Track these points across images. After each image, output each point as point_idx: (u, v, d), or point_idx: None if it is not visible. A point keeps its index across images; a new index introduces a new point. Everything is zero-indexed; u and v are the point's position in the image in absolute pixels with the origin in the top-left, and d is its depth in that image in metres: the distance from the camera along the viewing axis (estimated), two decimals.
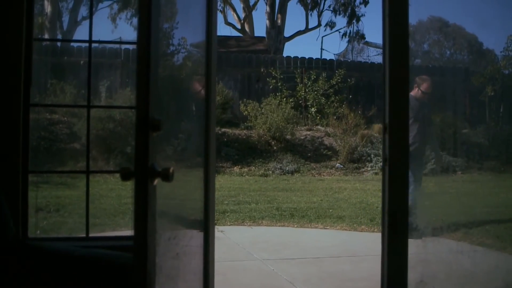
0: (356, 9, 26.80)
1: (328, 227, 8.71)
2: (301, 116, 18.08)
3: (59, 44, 18.59)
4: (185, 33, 3.69)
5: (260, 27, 44.82)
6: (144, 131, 2.26)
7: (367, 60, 25.07)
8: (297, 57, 20.05)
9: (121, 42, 20.31)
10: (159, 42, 2.50)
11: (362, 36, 27.30)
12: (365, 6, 26.83)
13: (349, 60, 24.42)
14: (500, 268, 4.93)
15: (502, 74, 8.86)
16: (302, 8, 27.92)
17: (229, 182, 13.48)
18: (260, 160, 15.66)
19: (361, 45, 27.69)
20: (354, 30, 27.22)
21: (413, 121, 7.00)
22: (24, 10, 3.59)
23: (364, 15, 27.49)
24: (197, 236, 3.59)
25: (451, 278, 4.61)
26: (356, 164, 15.90)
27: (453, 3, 6.11)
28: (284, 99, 17.67)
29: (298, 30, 28.31)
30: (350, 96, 18.72)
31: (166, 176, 2.35)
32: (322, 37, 53.78)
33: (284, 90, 18.14)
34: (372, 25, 46.48)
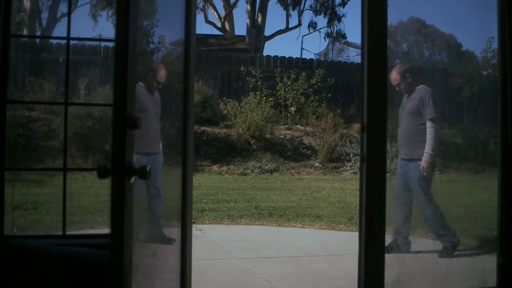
0: (336, 9, 26.88)
1: (306, 226, 8.73)
2: (280, 115, 18.10)
3: (38, 41, 18.44)
4: (164, 31, 3.69)
5: (241, 26, 44.89)
6: (121, 128, 2.26)
7: (347, 60, 25.15)
8: (277, 56, 20.06)
9: (100, 40, 20.20)
10: (137, 40, 2.49)
11: (343, 36, 27.39)
12: (343, 7, 26.93)
13: (329, 60, 24.49)
14: (476, 267, 4.97)
15: (481, 75, 8.92)
16: (282, 8, 27.96)
17: (208, 180, 13.46)
18: (239, 159, 15.65)
19: (341, 45, 27.78)
20: (335, 30, 27.30)
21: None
22: (1, 6, 3.56)
23: (345, 15, 27.60)
24: (174, 234, 3.58)
25: (427, 277, 4.65)
26: (335, 164, 15.94)
27: (433, 4, 6.16)
28: (264, 98, 17.67)
29: (279, 29, 28.36)
30: (330, 96, 18.77)
31: (143, 174, 2.35)
32: (303, 36, 53.99)
33: (264, 89, 18.14)
34: (353, 25, 46.62)
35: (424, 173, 6.67)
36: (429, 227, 6.81)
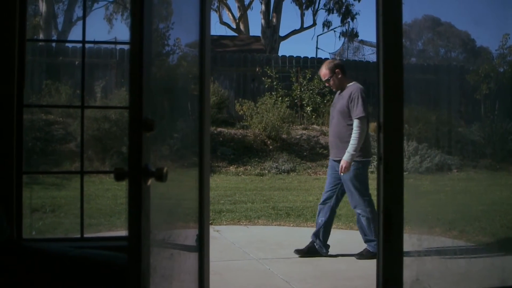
0: (350, 8, 26.81)
1: None
2: (296, 115, 18.07)
3: (54, 44, 18.55)
4: (179, 33, 3.69)
5: (255, 26, 45.02)
6: (138, 131, 2.26)
7: (363, 59, 25.07)
8: (293, 56, 20.03)
9: (115, 43, 20.30)
10: (152, 42, 2.50)
11: (356, 34, 27.30)
12: (359, 2, 26.85)
13: (344, 59, 24.42)
14: (495, 266, 4.94)
15: (497, 72, 8.87)
16: (297, 7, 27.93)
17: (225, 181, 13.47)
18: (256, 159, 15.64)
19: (356, 43, 27.69)
20: (349, 29, 27.24)
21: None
22: (17, 11, 3.58)
23: (359, 13, 27.51)
24: (192, 236, 3.59)
25: (446, 276, 4.62)
26: None
27: (448, 2, 6.11)
28: (280, 98, 17.66)
29: (294, 29, 28.34)
30: None
31: (160, 176, 2.35)
32: (318, 36, 54.04)
33: (280, 89, 18.12)
34: (367, 24, 46.55)
35: (342, 174, 6.52)
36: (360, 229, 6.73)
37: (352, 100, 6.65)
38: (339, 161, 6.59)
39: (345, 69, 7.08)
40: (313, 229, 6.92)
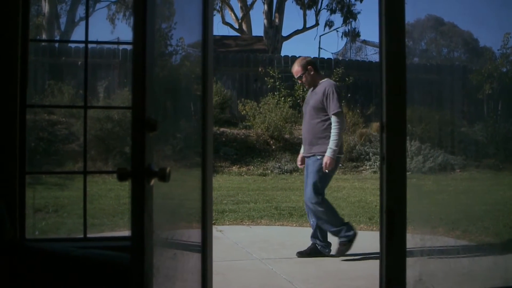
0: (352, 8, 26.80)
1: None
2: (299, 115, 18.01)
3: (56, 45, 18.56)
4: (182, 33, 3.69)
5: (258, 26, 44.91)
6: (140, 131, 2.26)
7: (365, 59, 25.05)
8: (295, 56, 19.95)
9: (118, 43, 20.30)
10: (155, 42, 2.50)
11: (358, 34, 27.29)
12: (361, 2, 26.83)
13: (347, 59, 24.40)
14: (498, 266, 4.93)
15: (500, 72, 8.86)
16: (299, 7, 27.93)
17: (228, 181, 13.47)
18: (259, 159, 15.64)
19: (359, 43, 27.67)
20: (351, 28, 27.23)
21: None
22: (20, 11, 3.58)
23: (360, 12, 27.45)
24: (195, 236, 3.59)
25: (449, 276, 4.62)
26: (354, 163, 15.89)
27: (450, 1, 6.11)
28: (282, 98, 17.63)
29: (296, 29, 28.34)
30: (349, 95, 18.68)
31: (163, 176, 2.35)
32: (320, 36, 53.81)
33: (282, 89, 18.10)
34: (370, 24, 46.52)
35: (326, 170, 6.50)
36: (322, 225, 6.70)
37: (327, 96, 6.61)
38: (310, 157, 6.66)
39: (318, 65, 7.12)
40: None
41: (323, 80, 6.87)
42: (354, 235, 6.61)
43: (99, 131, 13.63)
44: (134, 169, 2.25)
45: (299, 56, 19.75)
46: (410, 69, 3.85)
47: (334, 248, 6.70)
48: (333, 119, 6.55)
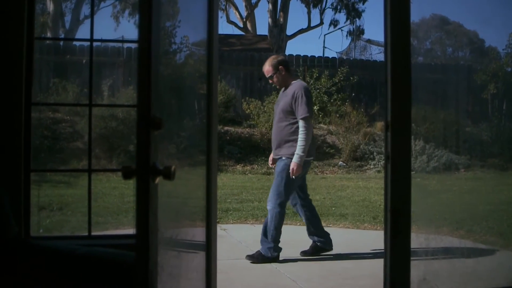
0: (356, 6, 26.80)
1: (330, 225, 8.69)
2: None
3: (61, 43, 18.58)
4: (187, 32, 3.69)
5: (262, 25, 44.90)
6: (145, 129, 2.26)
7: (370, 58, 25.04)
8: (300, 55, 20.00)
9: (122, 41, 20.34)
10: (160, 40, 2.50)
11: (362, 32, 27.29)
12: (363, 4, 26.84)
13: (351, 58, 24.39)
14: (503, 265, 4.93)
15: (505, 72, 8.85)
16: (304, 6, 27.93)
17: (232, 180, 13.47)
18: (263, 158, 15.63)
19: (363, 43, 27.66)
20: (356, 27, 27.24)
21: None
22: (25, 9, 3.59)
23: (364, 11, 27.47)
24: (199, 234, 3.59)
25: (453, 276, 4.61)
26: (358, 162, 15.88)
27: (456, 1, 6.10)
28: None
29: (301, 28, 28.35)
30: (353, 94, 18.68)
31: (168, 175, 2.35)
32: (325, 35, 53.93)
33: None
34: (375, 23, 46.46)
35: (293, 176, 6.36)
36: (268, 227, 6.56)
37: (296, 99, 6.41)
38: (278, 159, 6.56)
39: (290, 65, 6.93)
40: None
41: (294, 81, 6.67)
42: (272, 258, 6.41)
43: (104, 129, 13.64)
44: (139, 167, 2.25)
45: (304, 55, 19.89)
46: (415, 68, 3.85)
47: (255, 251, 6.58)
48: (301, 123, 6.35)
